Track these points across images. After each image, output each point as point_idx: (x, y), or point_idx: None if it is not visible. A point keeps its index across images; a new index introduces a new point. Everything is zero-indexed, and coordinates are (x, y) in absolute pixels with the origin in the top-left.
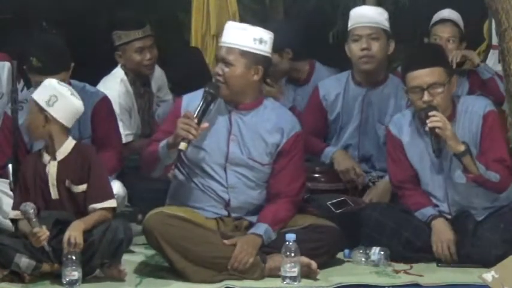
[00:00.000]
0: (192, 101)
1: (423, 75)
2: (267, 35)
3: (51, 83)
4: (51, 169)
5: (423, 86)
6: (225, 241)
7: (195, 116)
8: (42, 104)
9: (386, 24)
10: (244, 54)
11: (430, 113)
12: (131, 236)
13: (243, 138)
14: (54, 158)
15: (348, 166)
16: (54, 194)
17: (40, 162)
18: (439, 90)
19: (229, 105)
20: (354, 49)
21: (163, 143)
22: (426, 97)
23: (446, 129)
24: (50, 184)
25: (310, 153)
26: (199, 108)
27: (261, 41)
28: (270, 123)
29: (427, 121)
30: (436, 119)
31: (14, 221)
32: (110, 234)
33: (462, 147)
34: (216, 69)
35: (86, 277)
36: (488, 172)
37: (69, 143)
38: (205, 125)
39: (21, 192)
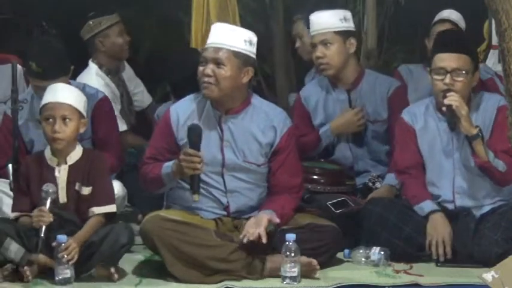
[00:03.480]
0: (181, 111)
1: (450, 59)
2: (254, 37)
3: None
4: (62, 173)
5: (447, 68)
6: (240, 236)
7: (191, 150)
8: (82, 109)
9: (341, 24)
10: (237, 55)
11: (449, 94)
12: (133, 240)
13: (236, 142)
14: (65, 162)
15: (351, 113)
16: (62, 197)
17: (46, 166)
18: (462, 76)
19: (217, 111)
20: (314, 57)
21: (166, 170)
22: (448, 80)
23: (463, 109)
24: (60, 188)
25: (308, 150)
26: (193, 144)
27: (250, 43)
28: (262, 123)
29: (445, 99)
30: (454, 98)
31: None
32: (112, 237)
33: (474, 130)
34: (206, 70)
35: (81, 275)
36: (496, 160)
37: (79, 148)
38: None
39: (22, 195)
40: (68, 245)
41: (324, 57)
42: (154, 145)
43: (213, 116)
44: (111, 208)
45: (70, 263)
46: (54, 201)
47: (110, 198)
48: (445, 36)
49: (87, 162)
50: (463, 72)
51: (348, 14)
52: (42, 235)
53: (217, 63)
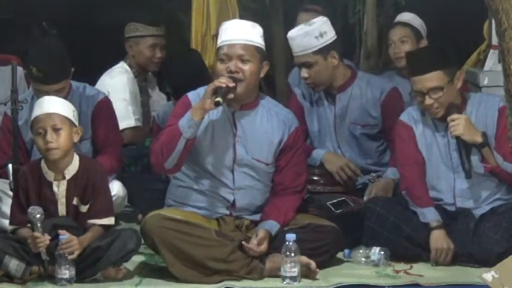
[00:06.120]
0: (200, 97)
1: (423, 81)
2: (262, 31)
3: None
4: (61, 188)
5: (423, 90)
6: (247, 244)
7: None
8: (71, 117)
9: (318, 43)
10: (258, 50)
11: (449, 118)
12: (140, 246)
13: (248, 139)
14: (63, 177)
15: (341, 164)
16: (61, 212)
17: (44, 180)
18: (440, 93)
19: (231, 107)
20: (301, 77)
21: (183, 119)
22: (427, 101)
23: (459, 129)
24: (59, 203)
25: None
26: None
27: (262, 36)
28: (272, 122)
29: (451, 132)
30: (454, 129)
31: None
32: (120, 242)
33: (480, 139)
34: (231, 67)
35: (86, 279)
36: (506, 163)
37: (76, 159)
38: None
39: (20, 208)
40: (70, 239)
41: (309, 77)
42: (171, 123)
43: (227, 110)
44: (110, 221)
45: (70, 257)
46: (50, 215)
47: (108, 212)
48: (411, 60)
49: (85, 175)
50: (440, 89)
51: (323, 27)
52: (45, 257)
53: (243, 59)
